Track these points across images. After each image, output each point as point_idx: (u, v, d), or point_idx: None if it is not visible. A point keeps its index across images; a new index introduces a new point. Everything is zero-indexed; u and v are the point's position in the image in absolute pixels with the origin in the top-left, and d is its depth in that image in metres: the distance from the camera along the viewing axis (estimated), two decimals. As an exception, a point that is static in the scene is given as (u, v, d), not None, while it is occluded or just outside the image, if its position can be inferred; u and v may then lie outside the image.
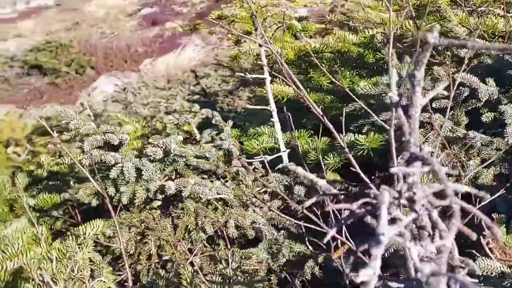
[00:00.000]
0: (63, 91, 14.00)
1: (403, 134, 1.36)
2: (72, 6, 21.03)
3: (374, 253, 1.02)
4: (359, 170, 2.63)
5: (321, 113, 2.90)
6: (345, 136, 3.47)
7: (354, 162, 2.66)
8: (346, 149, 2.85)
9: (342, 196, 1.52)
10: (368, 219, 1.40)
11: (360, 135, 3.66)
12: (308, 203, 1.42)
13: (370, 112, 3.05)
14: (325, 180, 1.49)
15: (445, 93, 3.26)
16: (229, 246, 3.45)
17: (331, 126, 2.89)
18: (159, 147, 3.46)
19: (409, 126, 1.34)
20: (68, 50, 15.03)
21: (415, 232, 1.40)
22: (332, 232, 1.42)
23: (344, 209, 1.47)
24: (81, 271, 2.17)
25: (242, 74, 4.13)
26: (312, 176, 1.46)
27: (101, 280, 2.45)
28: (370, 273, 1.03)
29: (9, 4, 22.15)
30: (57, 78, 14.34)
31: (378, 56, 4.08)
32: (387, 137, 3.61)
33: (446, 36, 3.76)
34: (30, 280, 2.62)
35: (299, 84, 2.98)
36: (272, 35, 4.18)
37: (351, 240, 2.78)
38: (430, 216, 1.32)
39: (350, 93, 3.16)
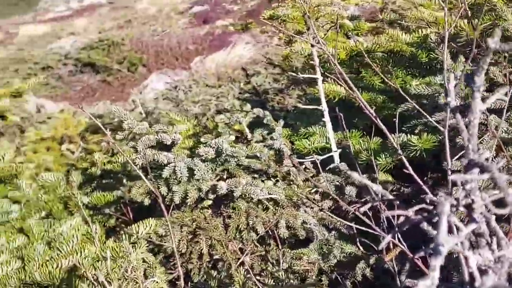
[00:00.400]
0: (115, 88, 14.18)
1: (461, 137, 1.34)
2: (124, 4, 21.30)
3: (433, 264, 1.00)
4: (412, 172, 2.60)
5: (374, 114, 2.87)
6: (398, 136, 3.43)
7: (407, 163, 2.63)
8: (399, 150, 2.82)
9: (398, 202, 1.50)
10: (425, 225, 1.38)
11: (412, 136, 3.62)
12: (363, 208, 1.41)
13: (423, 112, 3.01)
14: (380, 186, 1.48)
15: (505, 98, 3.19)
16: (280, 246, 3.44)
17: (383, 127, 2.86)
18: (211, 147, 3.48)
19: (468, 132, 1.32)
20: (120, 48, 15.22)
21: (472, 239, 1.38)
22: (388, 238, 1.41)
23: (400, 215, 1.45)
24: (134, 271, 2.19)
25: (294, 74, 4.12)
26: (367, 181, 1.45)
27: (154, 281, 2.47)
28: (429, 284, 1.01)
29: (63, 2, 22.52)
30: (109, 76, 14.53)
31: (431, 56, 4.02)
32: (440, 138, 3.57)
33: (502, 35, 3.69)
34: (85, 279, 2.66)
35: (352, 85, 2.95)
36: (325, 34, 4.17)
37: (403, 243, 2.75)
38: (489, 223, 1.30)
39: (403, 93, 3.12)
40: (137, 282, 2.16)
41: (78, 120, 7.19)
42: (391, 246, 3.06)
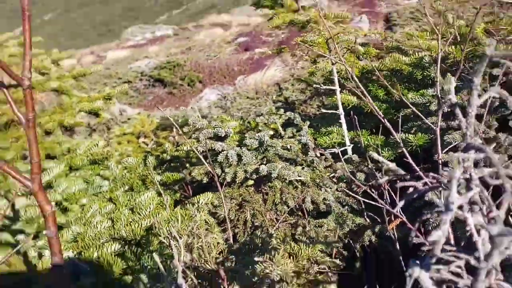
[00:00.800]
0: (178, 98, 14.24)
1: (460, 129, 1.30)
2: (186, 36, 21.39)
3: (444, 218, 0.97)
4: (410, 160, 2.55)
5: (382, 115, 2.82)
6: (399, 134, 3.39)
7: (407, 153, 2.58)
8: (401, 144, 2.78)
9: (408, 176, 1.46)
10: (429, 194, 1.34)
11: (409, 134, 3.57)
12: (382, 180, 1.37)
13: (422, 116, 2.95)
14: (394, 164, 1.44)
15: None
16: (306, 217, 3.41)
17: (389, 126, 2.81)
18: (255, 139, 3.47)
19: (466, 122, 1.28)
20: (182, 68, 15.30)
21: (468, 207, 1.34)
22: (399, 206, 1.37)
23: (408, 187, 1.41)
24: (198, 229, 2.18)
25: (318, 85, 4.08)
26: (385, 160, 1.41)
27: (213, 237, 2.46)
28: (440, 234, 0.98)
29: (140, 33, 22.70)
30: (174, 89, 14.63)
31: (425, 73, 3.96)
32: (430, 136, 3.52)
33: (479, 57, 3.62)
34: (159, 235, 2.66)
35: (366, 93, 2.91)
36: (342, 56, 4.12)
37: (403, 215, 2.70)
38: (482, 194, 1.26)
39: (405, 101, 3.06)
40: (200, 237, 2.14)
41: (151, 120, 7.23)
42: (393, 218, 3.01)
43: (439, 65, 2.86)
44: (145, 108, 12.63)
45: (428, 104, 3.69)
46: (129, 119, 8.60)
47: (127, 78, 15.09)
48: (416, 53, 4.08)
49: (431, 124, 2.82)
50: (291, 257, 1.97)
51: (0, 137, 3.84)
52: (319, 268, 2.04)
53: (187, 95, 14.30)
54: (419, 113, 2.93)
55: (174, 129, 4.42)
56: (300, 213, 3.49)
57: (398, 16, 17.11)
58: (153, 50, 19.22)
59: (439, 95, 2.80)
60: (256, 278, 1.77)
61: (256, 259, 1.80)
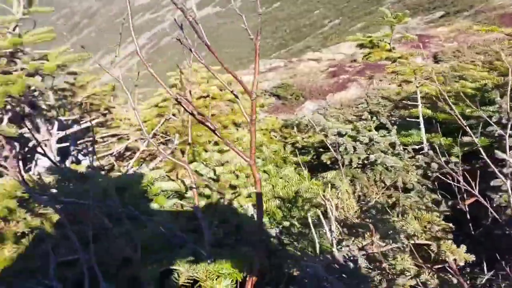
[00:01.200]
0: (288, 108, 14.25)
1: None
2: (291, 66, 21.29)
3: None
4: (484, 156, 2.34)
5: (464, 124, 2.62)
6: (473, 136, 3.14)
7: (481, 150, 2.38)
8: (478, 143, 2.57)
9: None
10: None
11: (475, 138, 3.30)
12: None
13: (492, 124, 2.71)
14: (506, 155, 1.32)
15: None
16: (399, 191, 3.27)
17: (469, 130, 2.61)
18: (366, 136, 3.36)
19: None
20: (291, 88, 15.29)
21: None
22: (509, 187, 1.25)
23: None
24: (338, 193, 2.16)
25: (405, 101, 3.89)
26: (506, 157, 1.30)
27: (351, 200, 2.43)
28: None
29: (262, 65, 22.85)
30: (285, 101, 14.66)
31: (485, 95, 3.64)
32: (491, 140, 3.25)
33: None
34: (304, 197, 2.65)
35: (453, 107, 2.72)
36: (424, 81, 3.89)
37: (478, 194, 2.48)
38: None
39: (483, 114, 2.83)
40: (340, 199, 2.12)
41: (278, 121, 7.25)
42: (465, 196, 2.80)
43: (509, 88, 2.61)
44: (268, 113, 12.79)
45: (489, 117, 3.38)
46: (260, 120, 8.71)
47: (258, 94, 15.39)
48: (481, 81, 3.76)
49: (501, 131, 2.59)
50: (416, 219, 1.89)
51: (197, 128, 4.03)
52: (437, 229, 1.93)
53: (294, 106, 14.28)
54: (490, 121, 2.70)
55: (295, 127, 4.40)
56: (392, 188, 3.34)
57: (443, 54, 15.97)
58: (271, 76, 19.33)
59: (508, 111, 2.55)
60: (391, 232, 1.72)
61: (394, 218, 1.75)
